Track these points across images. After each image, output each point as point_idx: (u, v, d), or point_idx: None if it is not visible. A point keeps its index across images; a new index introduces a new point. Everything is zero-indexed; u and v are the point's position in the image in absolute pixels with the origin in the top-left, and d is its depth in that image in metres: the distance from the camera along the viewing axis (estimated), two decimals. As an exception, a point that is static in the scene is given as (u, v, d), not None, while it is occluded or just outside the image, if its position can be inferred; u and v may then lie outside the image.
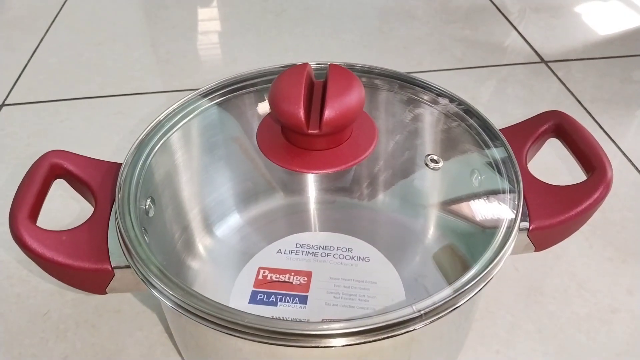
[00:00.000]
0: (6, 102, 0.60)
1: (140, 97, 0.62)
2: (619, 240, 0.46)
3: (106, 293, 0.31)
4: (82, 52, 0.69)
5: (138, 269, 0.27)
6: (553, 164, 0.52)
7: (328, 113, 0.28)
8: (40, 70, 0.66)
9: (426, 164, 0.36)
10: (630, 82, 0.64)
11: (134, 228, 0.29)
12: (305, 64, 0.31)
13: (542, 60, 0.67)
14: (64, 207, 0.47)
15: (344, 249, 0.37)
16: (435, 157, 0.36)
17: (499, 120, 0.35)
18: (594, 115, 0.59)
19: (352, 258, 0.36)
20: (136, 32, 0.74)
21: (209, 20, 0.77)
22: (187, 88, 0.63)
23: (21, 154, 0.54)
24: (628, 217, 0.48)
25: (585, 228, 0.40)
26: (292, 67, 0.31)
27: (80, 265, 0.29)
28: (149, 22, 0.76)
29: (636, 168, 0.52)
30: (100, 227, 0.31)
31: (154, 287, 0.26)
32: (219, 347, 0.30)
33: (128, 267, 0.28)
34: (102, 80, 0.64)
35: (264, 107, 0.38)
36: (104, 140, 0.56)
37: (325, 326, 0.24)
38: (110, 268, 0.29)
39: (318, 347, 0.24)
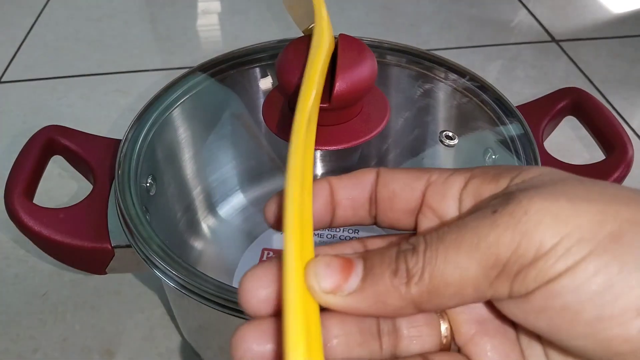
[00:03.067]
0: (2, 80, 0.59)
1: (139, 75, 0.60)
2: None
3: (106, 273, 0.30)
4: (80, 28, 0.67)
5: (139, 247, 0.26)
6: (568, 143, 0.50)
7: (339, 85, 0.26)
8: (37, 47, 0.64)
9: (440, 141, 0.35)
10: (643, 62, 0.62)
11: (134, 206, 0.27)
12: (314, 35, 0.29)
13: (553, 39, 0.65)
14: (63, 186, 0.46)
15: (350, 231, 0.36)
16: (450, 134, 0.34)
17: (509, 99, 0.34)
18: (605, 95, 0.57)
19: (360, 239, 0.35)
20: (135, 8, 0.72)
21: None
22: (187, 65, 0.61)
23: (17, 132, 0.52)
24: (641, 200, 0.46)
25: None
26: (300, 37, 0.29)
27: (79, 244, 0.28)
28: (149, -1, 0.74)
29: (649, 149, 0.51)
30: (99, 205, 0.30)
31: (156, 266, 0.25)
32: (223, 329, 0.29)
33: (129, 246, 0.27)
34: (100, 57, 0.63)
35: (267, 83, 0.37)
36: (102, 118, 0.54)
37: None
38: (110, 247, 0.28)
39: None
